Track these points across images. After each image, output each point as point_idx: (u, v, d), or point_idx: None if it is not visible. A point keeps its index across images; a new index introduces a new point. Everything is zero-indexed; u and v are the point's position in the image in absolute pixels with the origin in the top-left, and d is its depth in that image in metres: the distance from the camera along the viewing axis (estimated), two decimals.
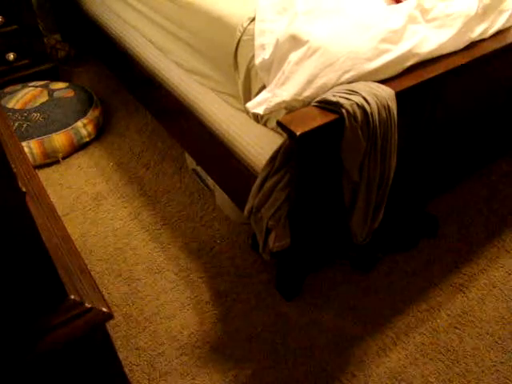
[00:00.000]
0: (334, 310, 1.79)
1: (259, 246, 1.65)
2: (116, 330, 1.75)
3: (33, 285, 0.83)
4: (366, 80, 1.44)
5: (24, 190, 0.88)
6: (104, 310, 0.91)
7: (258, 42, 1.53)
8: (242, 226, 2.07)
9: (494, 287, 1.87)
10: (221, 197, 2.10)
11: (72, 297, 0.89)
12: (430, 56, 1.61)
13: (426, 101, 1.63)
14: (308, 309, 1.79)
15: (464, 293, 1.84)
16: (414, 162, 1.81)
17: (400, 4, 1.69)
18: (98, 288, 0.99)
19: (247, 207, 1.61)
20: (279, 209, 1.52)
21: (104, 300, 0.96)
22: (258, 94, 1.53)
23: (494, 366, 1.65)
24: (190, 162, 2.30)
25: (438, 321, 1.75)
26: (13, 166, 0.96)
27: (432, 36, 1.62)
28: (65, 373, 0.96)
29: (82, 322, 0.88)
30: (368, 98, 1.35)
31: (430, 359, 1.65)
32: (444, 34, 1.63)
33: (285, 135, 1.38)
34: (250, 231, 2.00)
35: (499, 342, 1.71)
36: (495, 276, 1.91)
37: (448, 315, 1.77)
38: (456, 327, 1.73)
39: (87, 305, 0.90)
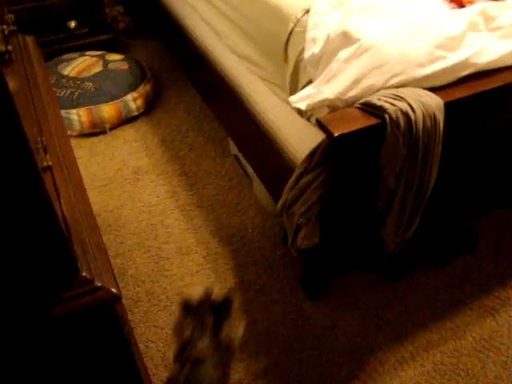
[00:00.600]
0: (357, 315, 1.75)
1: (288, 240, 1.63)
2: (138, 305, 1.78)
3: (45, 259, 0.84)
4: (415, 86, 1.39)
5: (50, 163, 0.89)
6: (113, 290, 0.92)
7: (309, 35, 1.50)
8: (276, 218, 2.05)
9: None
10: (258, 186, 2.09)
11: (83, 274, 0.90)
12: (488, 67, 1.53)
13: (477, 114, 1.56)
14: (330, 310, 1.76)
15: (494, 317, 1.77)
16: (458, 175, 1.75)
17: (463, 9, 1.62)
18: (110, 267, 0.99)
19: (281, 201, 1.59)
20: (311, 207, 1.50)
21: (115, 280, 0.96)
22: (304, 87, 1.50)
23: None
24: (233, 147, 2.29)
25: (462, 342, 1.69)
26: (43, 138, 0.97)
27: (493, 46, 1.54)
28: (71, 346, 0.97)
29: (90, 299, 0.89)
30: (414, 105, 1.30)
31: (448, 380, 1.60)
32: (507, 45, 1.55)
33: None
34: (283, 224, 1.98)
35: None
36: None
37: (473, 338, 1.70)
38: (480, 351, 1.67)
39: (97, 283, 0.90)
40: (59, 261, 0.87)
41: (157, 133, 2.48)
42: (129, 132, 2.50)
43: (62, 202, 0.97)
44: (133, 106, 2.52)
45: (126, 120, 2.53)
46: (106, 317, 0.96)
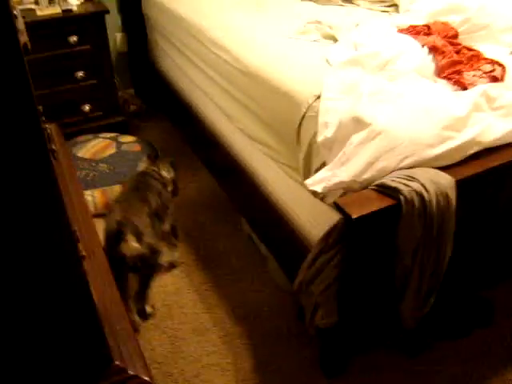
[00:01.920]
0: None
1: (305, 319, 1.64)
2: None
3: (81, 350, 0.85)
4: (426, 166, 1.44)
5: (84, 253, 0.92)
6: (146, 378, 0.93)
7: (321, 119, 1.57)
8: (291, 296, 2.05)
9: None
10: (273, 264, 2.11)
11: (117, 362, 0.91)
12: (493, 144, 1.59)
13: (486, 189, 1.60)
14: None
15: None
16: (469, 249, 1.77)
17: (465, 91, 1.70)
18: (141, 354, 1.00)
19: (297, 280, 1.60)
20: (329, 286, 1.52)
21: (147, 367, 0.97)
22: (318, 169, 1.56)
23: None
24: (246, 226, 2.32)
25: None
26: (76, 228, 1.00)
27: (497, 124, 1.61)
28: None
29: None
30: (427, 185, 1.35)
31: None
32: (509, 123, 1.62)
33: (340, 213, 1.39)
34: (298, 302, 1.99)
35: None
36: None
37: None
38: None
39: (130, 372, 0.92)
40: (94, 350, 0.88)
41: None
42: None
43: (93, 290, 0.99)
44: None
45: None
46: None
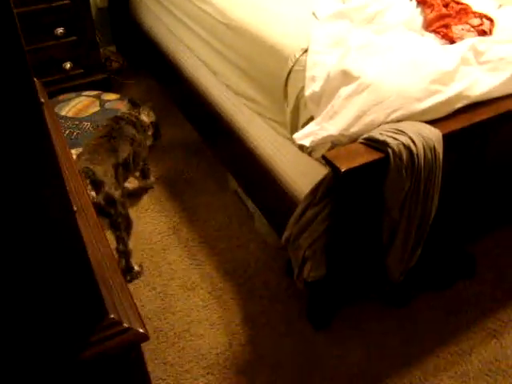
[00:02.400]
0: (363, 344, 1.78)
1: (294, 273, 1.66)
2: (145, 343, 1.76)
3: (77, 302, 0.86)
4: (414, 120, 1.45)
5: (75, 208, 0.91)
6: (141, 330, 0.94)
7: (309, 73, 1.56)
8: (279, 250, 2.07)
9: None
10: (260, 220, 2.12)
11: (112, 316, 0.92)
12: (480, 99, 1.60)
13: (473, 144, 1.62)
14: (337, 341, 1.79)
15: (498, 339, 1.80)
16: (455, 202, 1.80)
17: (453, 45, 1.70)
18: (136, 307, 1.01)
19: (285, 235, 1.62)
20: (317, 240, 1.53)
21: (141, 320, 0.98)
22: (305, 124, 1.56)
23: None
24: (233, 183, 2.32)
25: (469, 366, 1.72)
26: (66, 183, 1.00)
27: (484, 79, 1.61)
28: None
29: (120, 340, 0.91)
30: (415, 138, 1.35)
31: None
32: (496, 78, 1.63)
33: (328, 167, 1.39)
34: (286, 257, 2.01)
35: None
36: None
37: (479, 361, 1.74)
38: (487, 374, 1.70)
39: (125, 324, 0.93)
40: (88, 304, 0.89)
41: (155, 170, 2.51)
42: None
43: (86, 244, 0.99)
44: None
45: None
46: (133, 357, 0.98)
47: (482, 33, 1.83)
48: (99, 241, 1.12)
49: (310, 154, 1.65)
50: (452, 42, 1.72)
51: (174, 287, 1.97)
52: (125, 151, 2.04)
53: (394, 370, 1.71)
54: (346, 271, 1.69)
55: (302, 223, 1.55)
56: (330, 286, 1.68)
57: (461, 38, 1.72)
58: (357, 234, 1.56)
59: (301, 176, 1.70)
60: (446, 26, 1.84)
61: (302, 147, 1.66)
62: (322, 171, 1.51)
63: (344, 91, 1.44)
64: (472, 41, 1.69)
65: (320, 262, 1.59)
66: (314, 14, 1.82)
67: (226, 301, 1.92)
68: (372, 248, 1.60)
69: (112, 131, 2.08)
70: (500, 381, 1.68)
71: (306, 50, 1.62)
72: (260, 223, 2.14)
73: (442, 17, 1.88)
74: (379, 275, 1.69)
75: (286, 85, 1.67)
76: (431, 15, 1.88)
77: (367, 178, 1.38)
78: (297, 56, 1.62)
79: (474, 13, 1.93)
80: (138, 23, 2.99)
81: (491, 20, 1.82)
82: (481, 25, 1.86)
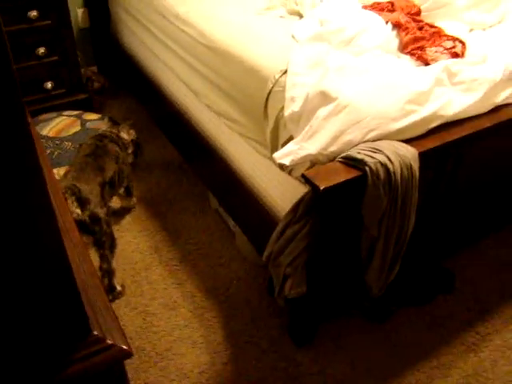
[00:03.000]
0: (345, 359, 1.80)
1: (275, 291, 1.68)
2: (127, 363, 1.74)
3: (61, 319, 0.87)
4: (390, 139, 1.49)
5: (60, 225, 0.93)
6: (124, 347, 0.95)
7: (288, 94, 1.59)
8: (260, 268, 2.09)
9: (508, 349, 1.87)
10: (241, 238, 2.14)
11: (95, 332, 0.93)
12: (454, 118, 1.65)
13: (448, 161, 1.66)
14: (319, 357, 1.80)
15: (476, 352, 1.84)
16: (432, 219, 1.84)
17: (428, 66, 1.75)
18: (119, 324, 1.02)
19: (266, 252, 1.64)
20: (298, 257, 1.55)
21: (125, 337, 0.99)
22: (285, 143, 1.59)
23: None
24: (214, 201, 2.34)
25: (449, 379, 1.75)
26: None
27: (457, 99, 1.67)
28: None
29: (103, 357, 0.92)
30: (391, 157, 1.39)
31: None
32: (469, 98, 1.68)
33: (308, 186, 1.42)
34: (268, 274, 2.02)
35: None
36: (509, 338, 1.91)
37: (459, 374, 1.77)
38: None
39: (109, 341, 0.93)
40: (72, 320, 0.90)
41: (136, 190, 2.52)
42: None
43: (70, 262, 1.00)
44: None
45: None
46: (117, 374, 0.98)
47: (455, 55, 1.89)
48: (83, 259, 1.13)
49: (289, 172, 1.68)
50: (426, 63, 1.77)
51: (155, 306, 1.97)
52: (111, 169, 2.06)
53: None
54: (326, 287, 1.71)
55: (283, 241, 1.57)
56: (310, 303, 1.70)
57: (435, 60, 1.78)
58: (336, 250, 1.59)
59: (281, 194, 1.73)
60: (421, 48, 1.90)
61: (281, 166, 1.69)
62: (301, 190, 1.54)
63: (322, 112, 1.47)
64: (445, 62, 1.74)
65: (301, 278, 1.60)
66: (293, 36, 1.87)
67: (208, 319, 1.93)
68: (351, 264, 1.63)
69: (97, 149, 2.09)
70: None
71: (285, 72, 1.65)
72: (241, 241, 2.16)
73: (416, 39, 1.94)
74: (359, 291, 1.72)
75: (265, 105, 1.70)
76: (406, 38, 1.94)
77: (346, 196, 1.41)
78: (276, 77, 1.65)
79: (447, 36, 1.99)
80: (119, 43, 3.02)
81: (463, 43, 1.88)
82: (453, 47, 1.92)
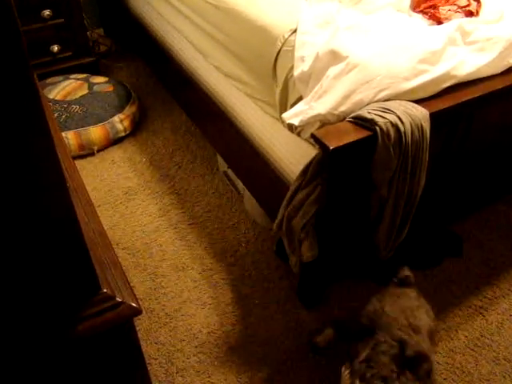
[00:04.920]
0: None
1: (289, 257, 1.68)
2: (137, 323, 1.80)
3: (70, 276, 0.87)
4: (401, 99, 1.46)
5: (68, 185, 0.92)
6: (133, 304, 0.95)
7: (298, 53, 1.56)
8: (268, 231, 2.09)
9: None
10: (249, 201, 2.14)
11: (105, 290, 0.93)
12: (467, 78, 1.61)
13: (459, 123, 1.64)
14: (327, 318, 1.81)
15: (483, 316, 1.84)
16: (442, 181, 1.82)
17: (441, 25, 1.71)
18: (128, 283, 1.03)
19: (278, 218, 1.63)
20: (310, 220, 1.55)
21: (134, 295, 1.00)
22: (294, 104, 1.57)
23: None
24: (222, 164, 2.34)
25: (455, 341, 1.76)
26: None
27: (471, 59, 1.63)
28: (91, 360, 1.01)
29: (113, 314, 0.93)
30: (402, 117, 1.37)
31: (444, 379, 1.66)
32: (483, 58, 1.64)
33: (318, 147, 1.41)
34: (276, 237, 2.03)
35: None
36: None
37: (465, 337, 1.78)
38: (473, 349, 1.74)
39: (118, 299, 0.94)
40: (82, 278, 0.90)
41: (145, 153, 2.52)
42: (117, 153, 2.53)
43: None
44: (120, 127, 2.56)
45: (113, 141, 2.56)
46: (126, 331, 0.99)
47: (469, 14, 1.84)
48: (92, 219, 1.13)
49: (299, 134, 1.66)
50: (439, 22, 1.73)
51: (164, 268, 1.99)
52: None
53: None
54: (336, 250, 1.71)
55: (294, 205, 1.56)
56: (321, 265, 1.70)
57: (448, 19, 1.73)
58: (346, 212, 1.58)
59: (290, 157, 1.72)
60: (434, 7, 1.85)
61: (291, 127, 1.67)
62: (311, 152, 1.53)
63: (332, 71, 1.45)
64: (459, 21, 1.70)
65: (313, 242, 1.60)
66: None
67: (216, 281, 1.94)
68: (361, 225, 1.62)
69: None
70: (485, 355, 1.72)
71: (294, 31, 1.62)
72: (250, 204, 2.15)
73: None
74: (368, 253, 1.72)
75: (275, 65, 1.67)
76: None
77: (356, 156, 1.40)
78: (286, 36, 1.62)
79: None
80: (125, 5, 2.97)
81: (478, 1, 1.83)
82: (468, 5, 1.87)
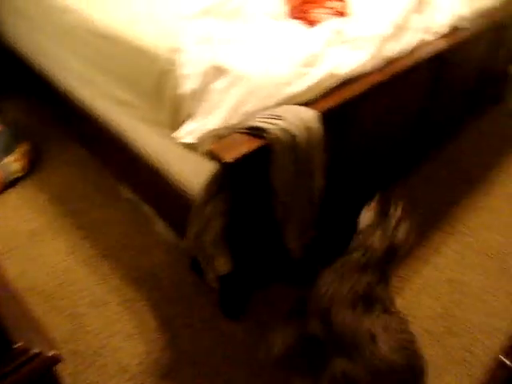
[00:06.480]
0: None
1: (206, 273, 1.68)
2: (63, 368, 1.73)
3: None
4: (289, 103, 1.51)
5: None
6: (51, 353, 0.92)
7: (182, 71, 1.57)
8: (181, 249, 2.08)
9: (428, 286, 2.00)
10: (158, 223, 2.12)
11: (18, 344, 0.90)
12: (348, 76, 1.70)
13: (347, 118, 1.71)
14: (254, 326, 1.83)
15: (401, 295, 1.94)
16: (343, 175, 1.90)
17: (317, 28, 1.79)
18: (43, 331, 0.99)
19: (188, 236, 1.63)
20: (219, 234, 1.56)
21: (51, 343, 0.97)
22: (185, 122, 1.57)
23: (434, 360, 1.76)
24: (125, 191, 2.30)
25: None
26: None
27: (349, 57, 1.71)
28: None
29: (29, 368, 0.89)
30: (292, 121, 1.42)
31: None
32: (360, 55, 1.73)
33: (215, 162, 1.43)
34: (189, 254, 2.02)
35: (436, 337, 1.83)
36: (427, 276, 2.04)
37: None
38: None
39: (34, 350, 0.91)
40: None
41: (45, 191, 2.43)
42: (15, 195, 2.42)
43: None
44: (14, 167, 2.45)
45: (9, 184, 2.45)
46: (46, 381, 0.96)
47: (340, 14, 1.94)
48: None
49: (195, 151, 1.67)
50: (313, 25, 1.81)
51: (83, 306, 1.93)
52: None
53: None
54: (251, 258, 1.73)
55: (201, 221, 1.57)
56: (237, 276, 1.72)
57: (320, 21, 1.81)
58: (255, 220, 1.61)
59: (191, 175, 1.72)
60: (307, 11, 1.93)
61: (186, 145, 1.68)
62: (211, 166, 1.54)
63: (218, 85, 1.47)
64: (333, 23, 1.79)
65: (226, 255, 1.62)
66: (180, 13, 1.84)
67: (138, 309, 1.91)
68: (271, 230, 1.66)
69: None
70: None
71: (176, 50, 1.63)
72: (159, 226, 2.14)
73: (302, 3, 1.97)
74: (284, 256, 1.75)
75: (161, 86, 1.67)
76: (292, 2, 1.97)
77: (253, 165, 1.43)
78: (168, 56, 1.62)
79: None
80: (2, 39, 2.85)
81: (343, 1, 1.94)
82: (338, 7, 1.97)
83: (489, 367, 1.71)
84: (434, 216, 2.33)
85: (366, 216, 1.63)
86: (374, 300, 1.46)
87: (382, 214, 1.60)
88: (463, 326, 1.88)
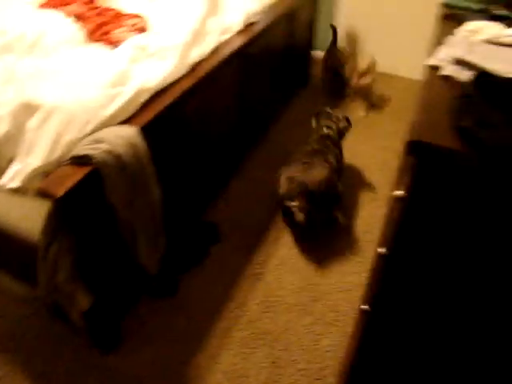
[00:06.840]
0: (157, 343, 1.84)
1: (69, 314, 1.62)
2: None
3: None
4: (108, 126, 1.51)
5: None
6: None
7: None
8: (37, 298, 1.97)
9: (284, 264, 2.13)
10: (4, 279, 1.99)
11: None
12: (161, 87, 1.74)
13: (170, 125, 1.75)
14: (132, 352, 1.80)
15: (262, 279, 2.05)
16: (181, 181, 1.94)
17: (120, 47, 1.81)
18: None
19: (40, 282, 1.56)
20: (71, 272, 1.52)
21: None
22: (7, 168, 1.51)
23: (307, 328, 1.89)
24: None
25: (249, 313, 1.93)
26: None
27: (156, 69, 1.75)
28: None
29: None
30: (114, 141, 1.42)
31: (255, 348, 1.81)
32: (166, 65, 1.78)
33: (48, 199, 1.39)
34: (47, 300, 1.93)
35: (303, 307, 1.96)
36: (281, 255, 2.18)
37: (256, 304, 1.96)
38: (266, 311, 1.93)
39: None
40: None
41: None
42: None
43: None
44: None
45: None
46: None
47: (141, 30, 1.98)
48: None
49: (26, 193, 1.61)
50: (114, 45, 1.83)
51: None
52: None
53: (192, 351, 1.80)
54: (109, 286, 1.71)
55: (50, 263, 1.51)
56: (101, 307, 1.68)
57: (123, 40, 1.84)
58: (104, 247, 1.59)
59: (28, 219, 1.65)
60: (107, 33, 1.95)
61: (15, 191, 1.61)
62: (45, 205, 1.49)
63: (33, 122, 1.44)
64: (134, 39, 1.82)
65: (83, 288, 1.57)
66: None
67: (5, 376, 1.76)
68: (123, 254, 1.65)
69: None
70: (277, 310, 1.92)
71: None
72: (5, 282, 2.01)
73: (100, 25, 1.98)
74: (142, 275, 1.75)
75: None
76: (89, 26, 1.97)
77: (88, 193, 1.41)
78: None
79: (128, 15, 2.08)
80: None
81: (138, 16, 1.99)
82: (136, 23, 2.01)
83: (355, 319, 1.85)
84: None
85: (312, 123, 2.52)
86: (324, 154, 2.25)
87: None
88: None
